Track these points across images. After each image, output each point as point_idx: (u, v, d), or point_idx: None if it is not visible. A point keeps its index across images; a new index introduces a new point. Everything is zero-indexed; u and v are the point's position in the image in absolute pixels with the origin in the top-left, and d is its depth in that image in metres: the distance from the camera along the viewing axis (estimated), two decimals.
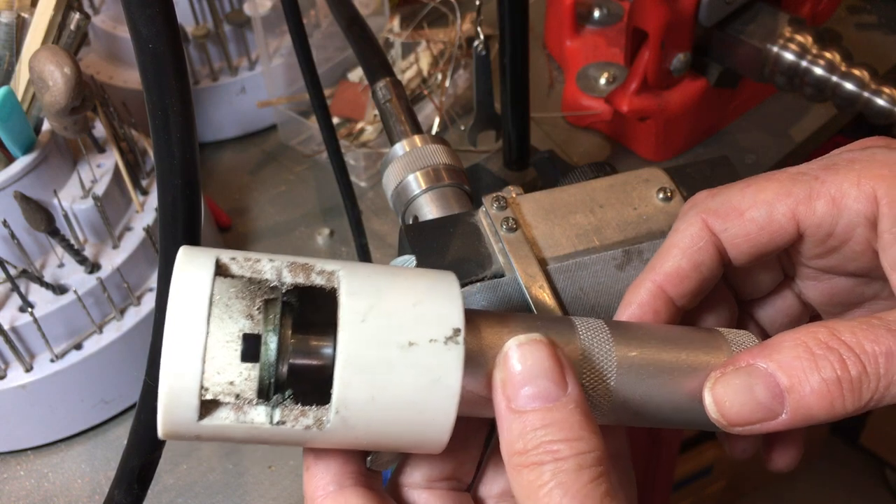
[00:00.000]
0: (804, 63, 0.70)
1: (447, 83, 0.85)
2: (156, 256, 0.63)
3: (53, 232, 0.61)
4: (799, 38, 0.71)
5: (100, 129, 0.69)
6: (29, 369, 0.63)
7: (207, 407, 0.29)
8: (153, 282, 0.67)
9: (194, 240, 0.41)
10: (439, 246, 0.46)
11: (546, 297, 0.43)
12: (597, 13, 0.91)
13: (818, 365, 0.30)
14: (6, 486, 0.64)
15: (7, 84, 0.61)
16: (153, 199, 0.69)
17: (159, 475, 0.60)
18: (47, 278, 0.63)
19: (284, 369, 0.30)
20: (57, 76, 0.55)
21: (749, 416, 0.31)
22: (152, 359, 0.43)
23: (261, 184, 0.85)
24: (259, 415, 0.29)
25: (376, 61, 0.61)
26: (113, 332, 0.64)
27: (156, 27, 0.34)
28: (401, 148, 0.56)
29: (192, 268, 0.29)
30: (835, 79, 0.69)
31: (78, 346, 0.64)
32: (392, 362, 0.29)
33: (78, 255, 0.63)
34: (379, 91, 0.60)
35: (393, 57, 0.89)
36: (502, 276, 0.45)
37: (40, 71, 0.55)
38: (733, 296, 0.40)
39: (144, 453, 0.46)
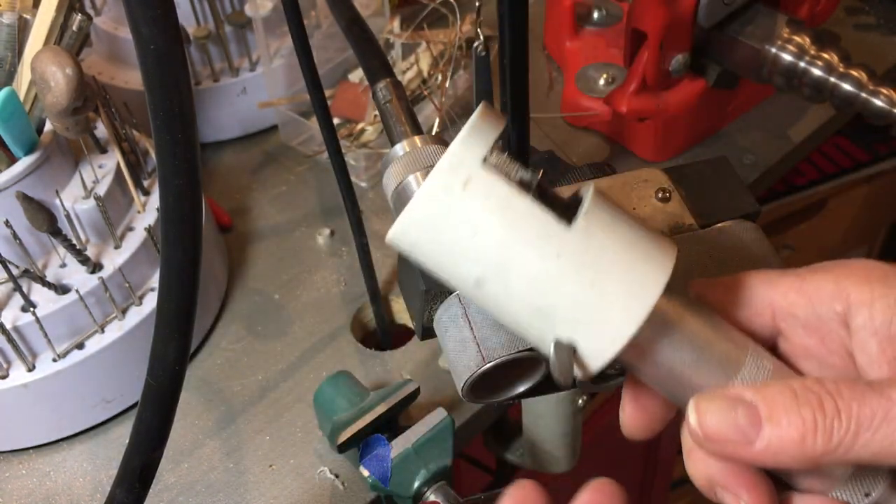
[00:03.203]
0: (802, 64, 0.71)
1: (447, 84, 0.85)
2: (157, 256, 0.64)
3: (55, 232, 0.61)
4: (797, 38, 0.71)
5: (101, 130, 0.69)
6: (31, 368, 0.63)
7: (490, 161, 0.32)
8: (155, 281, 0.67)
9: (195, 240, 0.41)
10: None
11: None
12: (596, 14, 0.91)
13: (798, 403, 0.32)
14: (8, 485, 0.65)
15: (9, 85, 0.62)
16: (155, 200, 0.69)
17: (160, 474, 0.61)
18: (49, 278, 0.63)
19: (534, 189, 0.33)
20: (59, 77, 0.55)
21: (725, 433, 0.33)
22: (153, 358, 0.44)
23: (261, 184, 0.85)
24: (523, 188, 0.32)
25: (376, 62, 0.61)
26: (115, 331, 0.65)
27: (157, 28, 0.34)
28: (401, 148, 0.56)
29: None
30: (833, 79, 0.69)
31: (80, 346, 0.64)
32: (629, 214, 0.34)
33: (80, 254, 0.63)
34: (379, 92, 0.60)
35: (393, 58, 0.89)
36: None
37: (42, 72, 0.56)
38: None
39: (146, 452, 0.46)
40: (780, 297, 0.36)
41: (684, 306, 0.35)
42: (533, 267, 0.32)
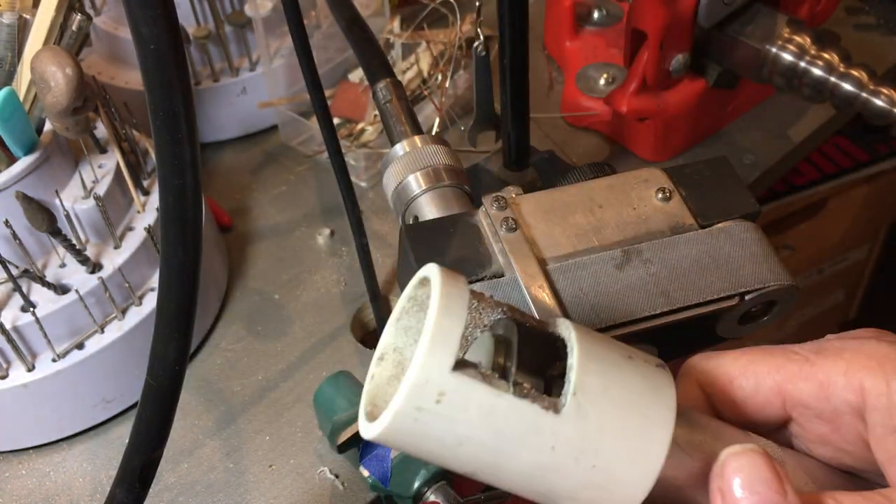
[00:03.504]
0: (802, 64, 0.71)
1: (447, 84, 0.85)
2: (157, 256, 0.64)
3: (55, 232, 0.61)
4: (797, 38, 0.71)
5: (101, 130, 0.69)
6: (31, 369, 0.63)
7: (459, 364, 0.29)
8: (154, 281, 0.67)
9: (195, 240, 0.41)
10: (439, 246, 0.46)
11: (545, 296, 0.44)
12: (596, 14, 0.91)
13: None
14: (8, 485, 0.65)
15: (9, 85, 0.62)
16: (155, 200, 0.69)
17: (160, 474, 0.61)
18: (49, 278, 0.63)
19: (512, 377, 0.31)
20: (59, 77, 0.55)
21: None
22: (153, 358, 0.44)
23: (261, 184, 0.85)
24: (501, 384, 0.30)
25: (376, 62, 0.61)
26: (114, 331, 0.65)
27: (157, 28, 0.34)
28: (401, 148, 0.56)
29: (453, 277, 0.31)
30: (833, 79, 0.69)
31: (79, 346, 0.64)
32: (619, 363, 0.32)
33: (79, 255, 0.63)
34: (379, 92, 0.60)
35: (393, 58, 0.89)
36: (502, 275, 0.45)
37: (42, 71, 0.56)
38: None
39: (146, 452, 0.46)
40: (789, 386, 0.35)
41: (687, 438, 0.34)
42: (527, 462, 0.31)
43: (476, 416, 0.30)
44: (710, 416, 0.36)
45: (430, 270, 0.31)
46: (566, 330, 0.32)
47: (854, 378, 0.33)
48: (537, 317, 0.33)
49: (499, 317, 0.31)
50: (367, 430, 0.31)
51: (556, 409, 0.30)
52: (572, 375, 0.31)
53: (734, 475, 0.31)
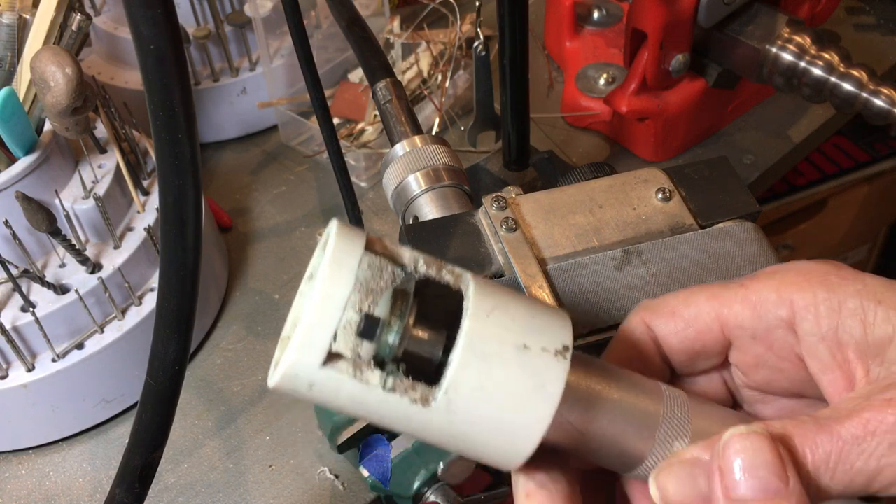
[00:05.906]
0: (802, 64, 0.71)
1: (447, 84, 0.85)
2: (157, 256, 0.64)
3: (55, 232, 0.61)
4: (797, 38, 0.71)
5: (101, 130, 0.69)
6: (31, 369, 0.63)
7: (331, 357, 0.31)
8: (154, 281, 0.67)
9: (195, 240, 0.41)
10: (439, 246, 0.46)
11: (545, 296, 0.44)
12: (596, 14, 0.91)
13: None
14: (7, 485, 0.65)
15: (9, 85, 0.62)
16: (154, 200, 0.69)
17: (160, 474, 0.61)
18: (49, 278, 0.63)
19: (400, 351, 0.32)
20: (58, 77, 0.55)
21: (689, 501, 0.32)
22: (153, 358, 0.44)
23: (261, 184, 0.85)
24: (374, 377, 0.31)
25: (376, 62, 0.61)
26: (114, 331, 0.65)
27: (157, 28, 0.34)
28: (401, 148, 0.56)
29: (348, 234, 0.32)
30: (833, 79, 0.69)
31: (79, 346, 0.64)
32: (506, 358, 0.31)
33: (79, 255, 0.63)
34: (379, 92, 0.60)
35: (393, 58, 0.90)
36: (502, 275, 0.45)
37: (42, 71, 0.56)
38: None
39: (146, 452, 0.46)
40: (725, 311, 0.36)
41: (586, 393, 0.34)
42: (406, 431, 0.32)
43: (347, 401, 0.31)
44: (621, 368, 0.37)
45: (330, 238, 0.31)
46: (466, 304, 0.32)
47: (784, 294, 0.35)
48: (453, 270, 0.34)
49: (396, 280, 0.32)
50: (269, 377, 0.32)
51: (426, 403, 0.31)
52: (449, 372, 0.31)
53: (736, 456, 0.31)
